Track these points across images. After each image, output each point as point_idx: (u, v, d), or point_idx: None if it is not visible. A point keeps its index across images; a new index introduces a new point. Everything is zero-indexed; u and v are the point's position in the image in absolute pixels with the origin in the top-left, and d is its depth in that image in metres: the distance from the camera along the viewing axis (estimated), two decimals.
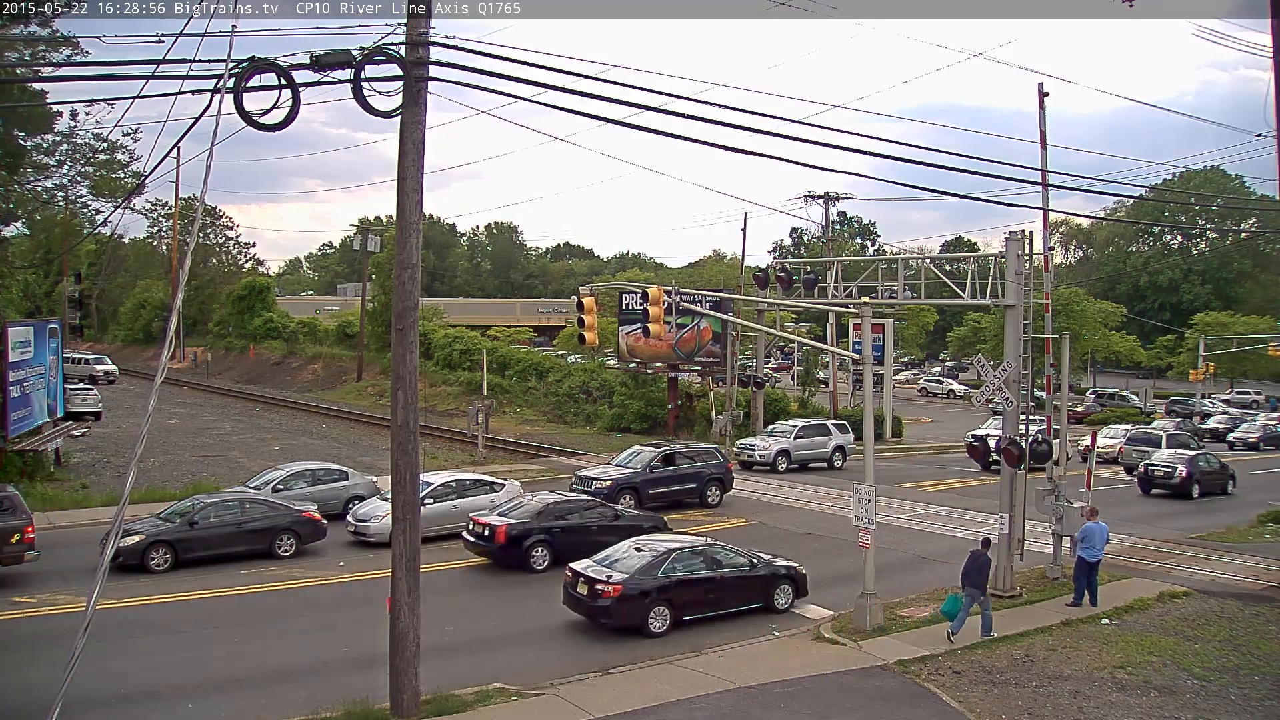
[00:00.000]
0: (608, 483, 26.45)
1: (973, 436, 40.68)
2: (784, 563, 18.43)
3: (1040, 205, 20.62)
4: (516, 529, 20.37)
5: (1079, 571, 18.05)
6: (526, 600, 18.66)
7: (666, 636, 16.37)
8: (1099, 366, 79.41)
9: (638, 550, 17.39)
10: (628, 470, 27.31)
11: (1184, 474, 31.53)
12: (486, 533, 20.55)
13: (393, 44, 11.24)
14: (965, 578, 16.06)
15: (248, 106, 10.44)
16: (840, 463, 35.58)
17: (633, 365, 45.11)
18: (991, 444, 37.00)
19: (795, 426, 36.14)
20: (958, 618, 15.77)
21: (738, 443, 36.26)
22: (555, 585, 17.80)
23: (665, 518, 22.99)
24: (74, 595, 17.40)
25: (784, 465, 34.51)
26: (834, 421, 38.18)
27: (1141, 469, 33.05)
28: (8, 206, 34.51)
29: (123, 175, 44.91)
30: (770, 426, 37.36)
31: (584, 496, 23.44)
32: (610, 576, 16.46)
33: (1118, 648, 15.61)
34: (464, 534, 21.39)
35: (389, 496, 13.02)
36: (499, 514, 21.11)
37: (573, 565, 17.21)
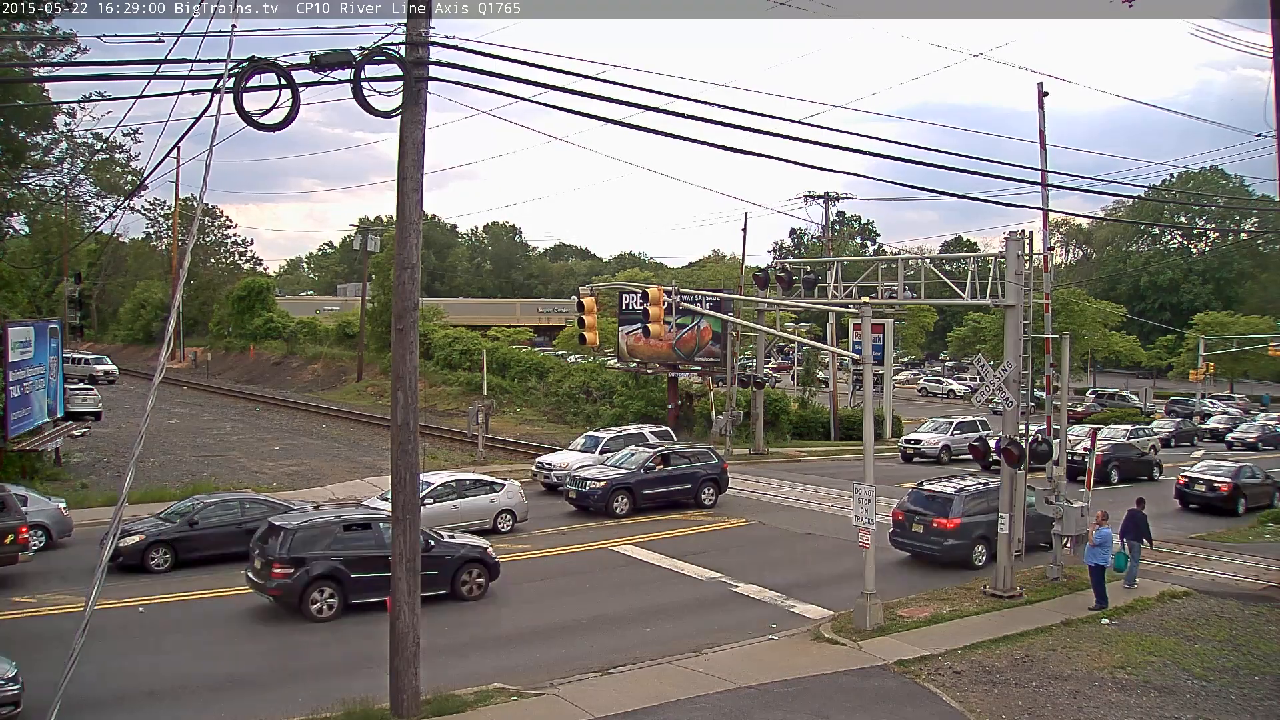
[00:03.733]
0: (602, 483, 26.33)
1: (905, 441, 40.58)
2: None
3: (1040, 205, 20.65)
4: (1107, 457, 32.16)
5: (1096, 578, 17.95)
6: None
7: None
8: (1099, 366, 79.37)
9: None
10: (623, 470, 27.18)
11: None
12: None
13: (393, 44, 11.24)
14: (1126, 533, 19.33)
15: (248, 106, 10.44)
16: None
17: (633, 365, 45.09)
18: (925, 449, 37.56)
19: (602, 439, 31.52)
20: (1128, 569, 18.92)
21: (537, 460, 31.55)
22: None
23: (663, 519, 22.78)
24: (74, 595, 17.39)
25: None
26: (654, 428, 33.91)
27: None
28: (7, 205, 34.52)
29: (123, 172, 44.96)
30: (594, 432, 33.56)
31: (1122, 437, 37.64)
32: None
33: (1118, 648, 15.60)
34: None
35: (389, 497, 13.01)
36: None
37: (1186, 473, 29.34)
